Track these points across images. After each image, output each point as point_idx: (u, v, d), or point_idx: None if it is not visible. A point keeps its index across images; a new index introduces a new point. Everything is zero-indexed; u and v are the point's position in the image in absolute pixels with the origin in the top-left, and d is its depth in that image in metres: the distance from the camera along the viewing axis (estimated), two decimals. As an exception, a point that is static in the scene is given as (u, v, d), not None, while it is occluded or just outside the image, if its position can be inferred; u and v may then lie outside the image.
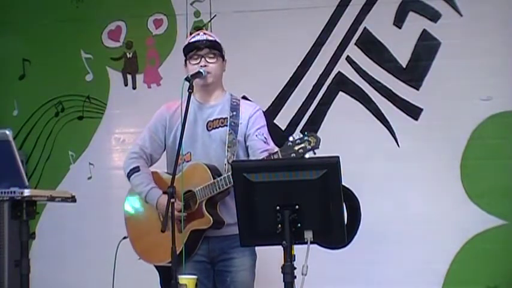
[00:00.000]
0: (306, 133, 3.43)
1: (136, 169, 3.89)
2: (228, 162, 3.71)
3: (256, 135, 3.78)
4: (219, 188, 3.65)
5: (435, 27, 5.39)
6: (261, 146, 3.73)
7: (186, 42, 3.94)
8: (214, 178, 3.67)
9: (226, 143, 3.77)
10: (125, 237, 3.96)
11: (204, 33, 3.91)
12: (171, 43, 5.77)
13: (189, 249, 3.66)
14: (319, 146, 3.40)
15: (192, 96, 3.85)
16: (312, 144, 3.40)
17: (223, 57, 3.89)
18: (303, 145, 3.40)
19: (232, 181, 3.57)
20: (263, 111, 3.96)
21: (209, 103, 3.89)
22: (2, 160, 3.59)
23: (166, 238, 3.50)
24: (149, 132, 3.95)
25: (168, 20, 5.81)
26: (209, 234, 3.75)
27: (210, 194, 3.67)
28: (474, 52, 5.29)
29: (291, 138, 3.44)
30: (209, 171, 3.70)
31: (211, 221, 3.68)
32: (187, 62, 3.87)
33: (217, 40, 3.87)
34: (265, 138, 3.78)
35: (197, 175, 3.72)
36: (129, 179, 3.92)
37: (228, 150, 3.75)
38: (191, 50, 3.85)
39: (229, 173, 3.60)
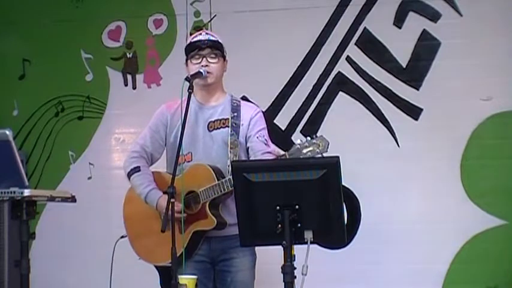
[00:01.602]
0: (315, 136, 3.42)
1: (136, 169, 3.89)
2: (231, 164, 3.71)
3: (257, 137, 3.78)
4: (225, 190, 3.64)
5: (435, 27, 5.39)
6: (262, 148, 3.74)
7: (188, 42, 3.94)
8: (218, 179, 3.67)
9: (229, 144, 3.76)
10: (122, 236, 3.96)
11: (207, 33, 3.90)
12: (171, 43, 5.77)
13: (189, 250, 3.66)
14: (328, 150, 3.39)
15: (192, 97, 3.85)
16: (320, 148, 3.40)
17: (224, 57, 3.88)
18: (311, 148, 3.41)
19: None
20: (263, 113, 3.96)
21: (210, 104, 3.89)
22: (2, 160, 3.58)
23: (166, 238, 3.49)
24: (150, 132, 3.94)
25: (168, 20, 5.81)
26: (210, 234, 3.75)
27: (214, 195, 3.67)
28: (474, 52, 5.29)
29: (298, 141, 3.44)
30: (213, 173, 3.69)
31: (215, 222, 3.68)
32: (189, 61, 3.86)
33: (219, 40, 3.87)
34: (265, 140, 3.78)
35: (200, 176, 3.72)
36: (129, 179, 3.91)
37: (230, 152, 3.75)
38: (193, 50, 3.84)
39: None
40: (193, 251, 3.72)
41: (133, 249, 3.94)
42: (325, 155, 3.40)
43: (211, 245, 3.79)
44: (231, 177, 3.61)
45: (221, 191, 3.65)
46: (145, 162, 3.93)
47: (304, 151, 3.42)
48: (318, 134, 3.46)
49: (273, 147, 3.79)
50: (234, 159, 3.71)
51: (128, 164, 3.93)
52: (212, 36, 3.87)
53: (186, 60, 3.88)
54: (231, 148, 3.75)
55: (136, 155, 3.93)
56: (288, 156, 3.48)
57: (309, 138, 3.44)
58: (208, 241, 3.78)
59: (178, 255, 3.46)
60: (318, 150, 3.40)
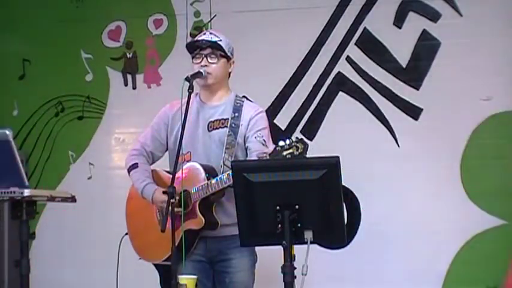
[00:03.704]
0: (296, 138, 3.44)
1: (135, 165, 3.90)
2: (223, 164, 3.71)
3: (255, 137, 3.77)
4: (212, 189, 3.65)
5: (435, 27, 5.39)
6: (257, 148, 3.72)
7: (191, 40, 3.94)
8: (208, 179, 3.67)
9: (225, 144, 3.76)
10: (127, 233, 3.97)
11: (210, 33, 3.90)
12: (171, 43, 5.78)
13: (184, 249, 3.66)
14: (307, 153, 3.41)
15: (196, 96, 3.85)
16: (299, 150, 3.41)
17: (228, 58, 3.87)
18: (290, 151, 3.42)
19: (226, 182, 3.58)
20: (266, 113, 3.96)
21: (212, 103, 3.89)
22: (2, 160, 3.59)
23: (163, 236, 3.51)
24: (152, 131, 3.96)
25: (168, 20, 5.81)
26: (206, 234, 3.75)
27: (203, 195, 3.67)
28: (474, 52, 5.29)
29: (281, 143, 3.45)
30: (203, 172, 3.70)
31: (203, 221, 3.68)
32: (192, 60, 3.87)
33: (223, 41, 3.83)
34: (264, 140, 3.77)
35: (192, 175, 3.73)
36: (129, 175, 3.94)
37: (225, 152, 3.75)
38: (195, 49, 3.84)
39: (224, 174, 3.62)
40: (188, 250, 3.71)
41: (132, 246, 3.94)
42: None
43: (208, 245, 3.79)
44: (219, 177, 3.63)
45: (210, 191, 3.65)
46: (145, 160, 3.94)
47: (284, 153, 3.43)
48: (299, 137, 3.48)
49: (271, 148, 3.78)
50: (229, 159, 3.71)
51: (127, 161, 3.96)
52: (215, 36, 3.85)
53: (192, 58, 3.89)
54: (226, 148, 3.75)
55: (136, 152, 3.95)
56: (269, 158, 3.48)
57: (289, 140, 3.44)
58: (205, 241, 3.78)
59: (172, 251, 3.47)
60: (296, 152, 3.41)
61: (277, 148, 3.44)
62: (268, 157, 3.48)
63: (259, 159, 3.57)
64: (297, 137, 3.45)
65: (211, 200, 3.70)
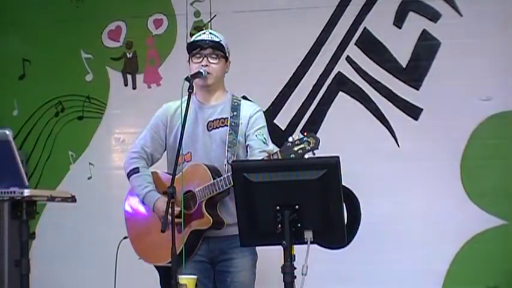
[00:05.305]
0: (305, 134, 3.43)
1: (136, 170, 3.88)
2: (228, 163, 3.71)
3: (256, 135, 3.78)
4: (219, 189, 3.64)
5: (435, 27, 5.39)
6: (259, 146, 3.73)
7: (191, 40, 3.94)
8: (214, 179, 3.67)
9: (227, 143, 3.76)
10: (125, 237, 3.96)
11: (210, 33, 3.89)
12: (171, 43, 5.78)
13: (188, 250, 3.66)
14: (319, 147, 3.41)
15: (193, 96, 3.84)
16: (311, 145, 3.41)
17: (226, 58, 3.87)
18: (302, 146, 3.41)
19: (232, 181, 3.57)
20: (263, 112, 3.96)
21: (210, 103, 3.89)
22: (2, 160, 3.59)
23: (166, 238, 3.50)
24: (150, 132, 3.94)
25: (168, 20, 5.81)
26: (209, 234, 3.75)
27: (209, 195, 3.67)
28: (474, 52, 5.29)
29: (290, 139, 3.45)
30: (209, 172, 3.69)
31: (211, 221, 3.67)
32: (191, 59, 3.86)
33: (223, 41, 3.84)
34: (264, 138, 3.78)
35: (197, 175, 3.72)
36: (128, 179, 3.92)
37: (228, 151, 3.75)
38: (194, 48, 3.84)
39: (229, 174, 3.60)
40: (192, 251, 3.72)
41: (133, 248, 3.94)
42: (317, 152, 3.40)
43: (210, 246, 3.78)
44: (226, 176, 3.62)
45: (216, 190, 3.65)
46: (145, 163, 3.92)
47: (296, 148, 3.42)
48: (310, 132, 3.47)
49: (271, 146, 3.79)
50: (232, 158, 3.71)
51: (127, 165, 3.93)
52: (216, 36, 3.85)
53: (189, 58, 3.88)
54: (228, 147, 3.75)
55: (136, 155, 3.92)
56: (279, 154, 3.48)
57: (300, 135, 3.44)
58: (207, 241, 3.77)
59: (177, 253, 3.47)
60: (308, 147, 3.41)
61: (288, 144, 3.44)
62: (278, 154, 3.48)
63: (263, 159, 3.56)
64: (306, 133, 3.45)
65: (215, 200, 3.70)
